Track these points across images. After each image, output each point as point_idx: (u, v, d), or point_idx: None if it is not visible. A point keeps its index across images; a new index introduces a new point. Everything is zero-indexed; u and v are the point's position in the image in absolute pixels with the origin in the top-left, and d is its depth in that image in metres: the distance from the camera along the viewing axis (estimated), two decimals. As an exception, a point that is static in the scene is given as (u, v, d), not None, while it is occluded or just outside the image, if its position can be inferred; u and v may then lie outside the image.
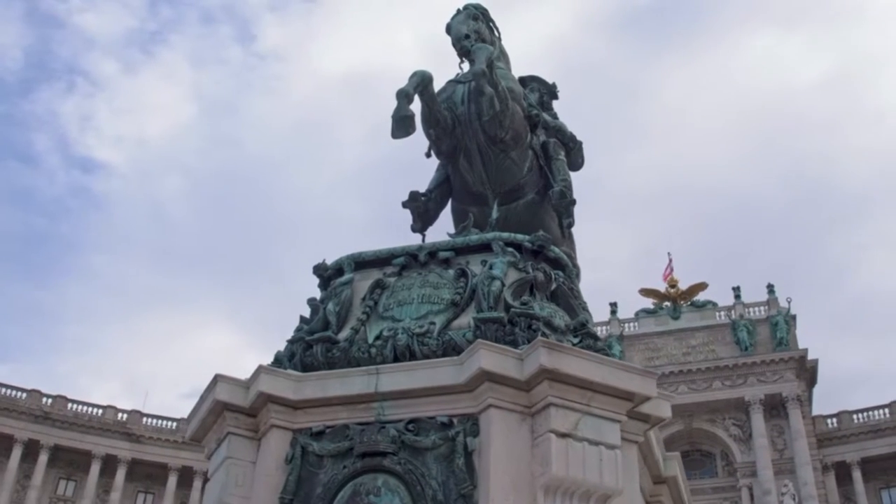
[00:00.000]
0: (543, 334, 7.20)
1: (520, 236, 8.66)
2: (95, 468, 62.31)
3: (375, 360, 7.55)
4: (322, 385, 7.29)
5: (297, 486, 6.89)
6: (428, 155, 11.25)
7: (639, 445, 7.43)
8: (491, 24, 11.65)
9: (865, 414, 62.34)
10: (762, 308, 64.94)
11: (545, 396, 6.51)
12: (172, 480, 63.64)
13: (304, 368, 7.74)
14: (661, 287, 68.32)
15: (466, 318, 7.69)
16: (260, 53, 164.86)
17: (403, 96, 9.97)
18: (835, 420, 62.90)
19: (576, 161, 12.09)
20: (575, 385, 6.55)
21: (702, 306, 66.49)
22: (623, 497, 6.62)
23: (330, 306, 8.23)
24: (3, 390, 63.46)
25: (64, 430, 62.58)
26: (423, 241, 10.26)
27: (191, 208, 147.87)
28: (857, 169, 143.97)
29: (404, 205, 11.00)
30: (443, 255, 8.47)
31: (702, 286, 67.59)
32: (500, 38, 11.76)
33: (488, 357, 6.60)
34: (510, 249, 8.34)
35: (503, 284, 7.82)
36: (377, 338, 7.76)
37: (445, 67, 11.20)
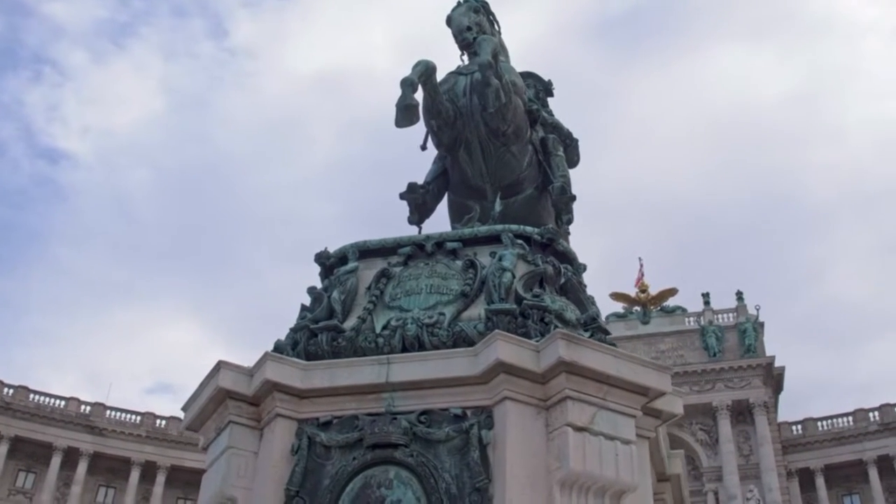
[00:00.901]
0: (556, 327, 7.09)
1: (529, 229, 8.55)
2: (56, 460, 61.14)
3: (383, 350, 7.40)
4: (330, 374, 7.13)
5: (303, 477, 6.72)
6: (423, 147, 11.09)
7: (649, 441, 7.35)
8: (491, 18, 11.55)
9: (830, 421, 63.21)
10: (731, 315, 65.49)
11: (562, 389, 6.42)
12: (135, 475, 62.62)
13: (307, 357, 7.54)
14: (632, 292, 68.66)
15: (477, 310, 7.55)
16: (232, 49, 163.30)
17: (408, 85, 9.79)
18: (800, 427, 63.68)
19: (572, 158, 12.00)
20: (592, 378, 6.49)
21: (671, 312, 66.91)
22: (637, 493, 6.54)
23: (335, 294, 8.03)
24: (-37, 380, 62.25)
25: (25, 421, 61.25)
26: (420, 233, 10.09)
27: (158, 202, 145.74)
28: (820, 182, 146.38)
29: (402, 196, 10.79)
30: (450, 245, 8.32)
31: (672, 291, 68.03)
32: (500, 32, 11.66)
33: (505, 348, 6.49)
34: (519, 242, 8.22)
35: (514, 276, 7.70)
36: (385, 327, 7.60)
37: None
